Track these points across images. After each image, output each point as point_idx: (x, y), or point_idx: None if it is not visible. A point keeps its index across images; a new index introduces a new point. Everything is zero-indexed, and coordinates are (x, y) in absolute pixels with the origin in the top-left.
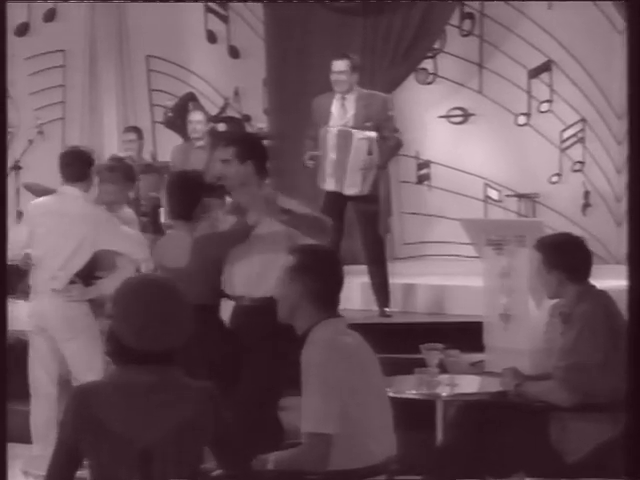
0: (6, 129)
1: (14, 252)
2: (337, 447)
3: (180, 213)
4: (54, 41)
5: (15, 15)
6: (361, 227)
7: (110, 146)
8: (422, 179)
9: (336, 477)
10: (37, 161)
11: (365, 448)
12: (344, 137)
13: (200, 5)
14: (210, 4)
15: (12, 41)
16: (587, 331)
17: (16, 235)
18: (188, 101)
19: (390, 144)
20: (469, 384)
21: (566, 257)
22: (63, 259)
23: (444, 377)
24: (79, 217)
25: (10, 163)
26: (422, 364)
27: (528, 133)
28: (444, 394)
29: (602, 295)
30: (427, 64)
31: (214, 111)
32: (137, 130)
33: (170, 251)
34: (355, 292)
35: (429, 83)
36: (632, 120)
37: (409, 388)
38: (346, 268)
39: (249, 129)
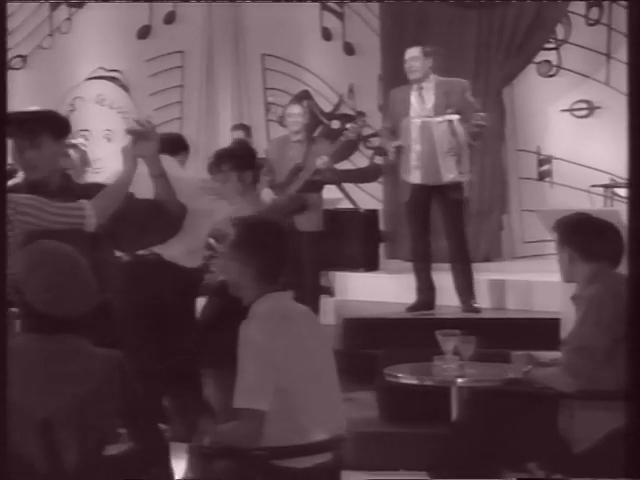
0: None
1: None
2: (271, 423)
3: None
4: (173, 42)
5: (137, 18)
6: (445, 220)
7: (224, 144)
8: (543, 175)
9: (274, 453)
10: None
11: (301, 425)
12: (427, 128)
13: (316, 3)
14: (326, 2)
15: (133, 43)
16: (592, 314)
17: None
18: (302, 99)
19: (474, 124)
20: (484, 371)
21: (577, 234)
22: None
23: (461, 363)
24: None
25: None
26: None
27: None
28: (460, 380)
29: (616, 277)
30: (550, 56)
31: (328, 108)
32: (245, 127)
33: None
34: (450, 289)
35: (552, 75)
36: (632, 119)
37: (424, 374)
38: (439, 266)
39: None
